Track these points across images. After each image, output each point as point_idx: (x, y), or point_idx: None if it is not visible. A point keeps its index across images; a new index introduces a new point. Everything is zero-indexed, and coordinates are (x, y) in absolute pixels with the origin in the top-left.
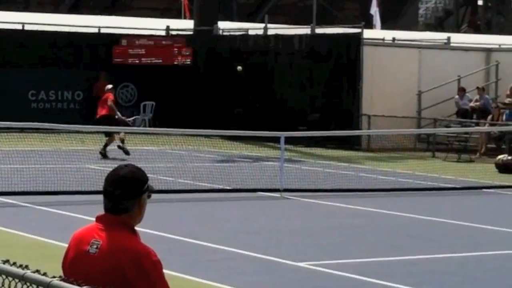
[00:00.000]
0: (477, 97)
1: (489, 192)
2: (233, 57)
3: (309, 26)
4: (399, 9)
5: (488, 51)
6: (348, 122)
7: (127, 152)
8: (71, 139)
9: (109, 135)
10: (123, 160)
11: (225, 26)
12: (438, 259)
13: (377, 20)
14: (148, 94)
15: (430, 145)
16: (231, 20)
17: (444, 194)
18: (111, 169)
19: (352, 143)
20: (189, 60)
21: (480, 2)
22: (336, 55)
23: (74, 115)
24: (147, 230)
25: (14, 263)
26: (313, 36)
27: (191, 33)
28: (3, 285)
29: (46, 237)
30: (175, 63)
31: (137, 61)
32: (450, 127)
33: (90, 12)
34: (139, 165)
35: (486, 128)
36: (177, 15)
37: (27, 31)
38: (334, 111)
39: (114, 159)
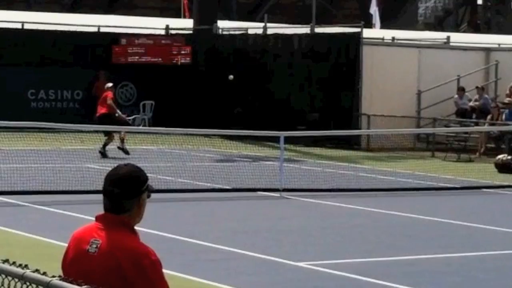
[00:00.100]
0: (477, 96)
1: (489, 192)
2: (232, 56)
3: (309, 26)
4: (398, 8)
5: (487, 50)
6: (347, 121)
7: (126, 152)
8: (70, 139)
9: (108, 134)
10: (123, 159)
11: (224, 25)
12: (437, 259)
13: (376, 19)
14: (148, 94)
15: (429, 145)
16: (231, 19)
17: (443, 194)
18: (110, 169)
19: (351, 143)
20: (188, 59)
21: (479, 2)
22: (336, 54)
23: (74, 115)
24: (147, 230)
25: (14, 263)
26: (313, 35)
27: (190, 32)
28: (2, 285)
29: (46, 236)
30: (175, 62)
31: (136, 60)
32: (449, 126)
33: (89, 11)
34: (138, 165)
35: (485, 128)
36: (177, 14)
37: (27, 30)
38: (333, 110)
39: (113, 158)
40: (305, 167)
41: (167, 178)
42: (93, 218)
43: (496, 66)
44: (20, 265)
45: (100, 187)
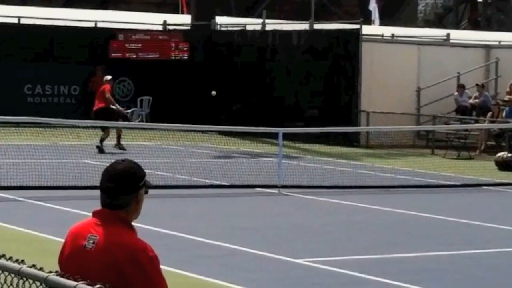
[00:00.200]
0: (477, 94)
1: (489, 190)
2: (230, 52)
3: (308, 22)
4: (398, 5)
5: (487, 48)
6: (346, 118)
7: (123, 148)
8: (67, 134)
9: (105, 129)
10: (120, 154)
11: (222, 21)
12: (437, 256)
13: (375, 16)
14: (145, 89)
15: (429, 142)
16: (229, 15)
17: (443, 191)
18: (108, 164)
19: (350, 140)
20: (186, 55)
21: None
22: (335, 51)
23: (71, 110)
24: (144, 226)
25: (10, 258)
26: (312, 32)
27: (188, 28)
28: None
29: (42, 232)
30: (172, 58)
31: (134, 56)
32: (449, 124)
33: (86, 6)
34: (136, 161)
35: (485, 125)
36: (175, 10)
37: (23, 25)
38: (332, 107)
39: (111, 154)
40: (304, 163)
41: (165, 174)
42: (90, 214)
43: (496, 63)
44: (16, 261)
45: (97, 183)
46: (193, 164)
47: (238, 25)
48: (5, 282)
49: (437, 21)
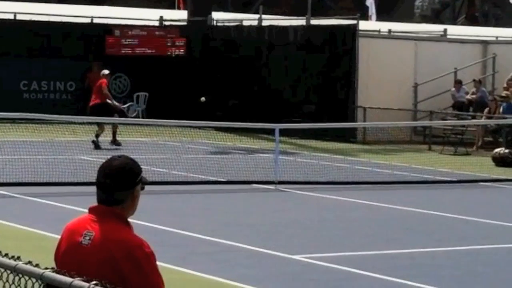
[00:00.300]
0: (474, 89)
1: (486, 186)
2: (227, 48)
3: (304, 18)
4: (395, 0)
5: (485, 43)
6: (343, 114)
7: (118, 144)
8: (63, 130)
9: (100, 124)
10: (116, 150)
11: (219, 16)
12: (434, 252)
13: (372, 11)
14: (141, 85)
15: (426, 138)
16: (225, 10)
17: (440, 187)
18: (104, 160)
19: (347, 136)
20: (182, 51)
21: None
22: (331, 46)
23: (67, 106)
24: (140, 222)
25: (6, 255)
26: (308, 27)
27: (185, 23)
28: None
29: (38, 228)
30: (169, 53)
31: (130, 52)
32: (446, 120)
33: (82, 2)
34: (132, 157)
35: (482, 121)
36: (171, 6)
37: (19, 21)
38: (329, 103)
39: (107, 150)
40: (301, 159)
41: (161, 170)
42: (86, 210)
43: (494, 59)
44: (12, 257)
45: (93, 179)
46: (190, 160)
47: (234, 20)
48: (1, 278)
49: (434, 17)
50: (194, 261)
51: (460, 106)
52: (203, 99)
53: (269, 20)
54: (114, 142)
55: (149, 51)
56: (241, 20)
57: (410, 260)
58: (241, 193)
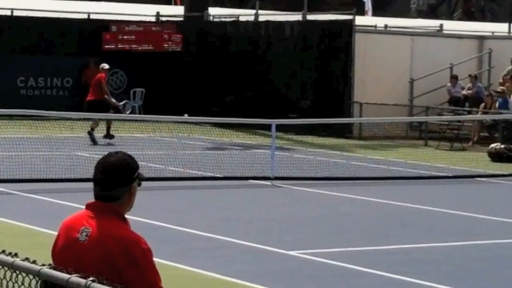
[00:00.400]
0: (470, 85)
1: (482, 181)
2: (223, 43)
3: (301, 13)
4: None
5: (481, 38)
6: (339, 109)
7: (112, 137)
8: (60, 126)
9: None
10: (111, 145)
11: (215, 12)
12: (430, 248)
13: (369, 7)
14: (138, 81)
15: (422, 133)
16: (222, 6)
17: (436, 182)
18: (101, 157)
19: (343, 131)
20: (179, 46)
21: None
22: (328, 42)
23: (64, 102)
24: (137, 218)
25: (3, 251)
26: (305, 22)
27: (181, 19)
28: None
29: (35, 225)
30: (165, 49)
31: (127, 48)
32: (442, 115)
33: None
34: (129, 153)
35: (478, 117)
36: (167, 1)
37: (16, 17)
38: (325, 98)
39: (104, 146)
40: (297, 155)
41: (158, 166)
42: (83, 206)
43: (490, 54)
44: (9, 254)
45: (90, 175)
46: (186, 156)
47: (231, 16)
48: None
49: (430, 12)
50: (190, 257)
51: (456, 102)
52: (186, 115)
53: (266, 15)
54: (107, 136)
55: (146, 46)
56: (238, 16)
57: (406, 256)
58: (237, 189)
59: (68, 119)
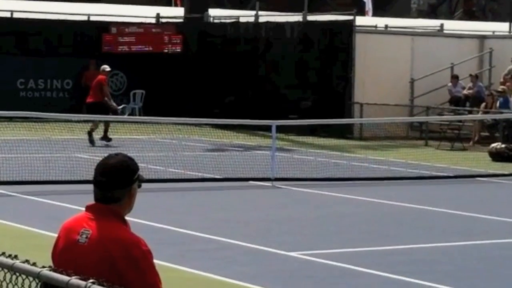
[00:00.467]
0: (470, 84)
1: (483, 181)
2: (224, 44)
3: (301, 13)
4: None
5: (481, 38)
6: (340, 110)
7: (109, 140)
8: (60, 128)
9: (94, 121)
10: (111, 146)
11: (216, 13)
12: (431, 248)
13: (369, 7)
14: (138, 83)
15: (423, 133)
16: (222, 7)
17: (437, 182)
18: (100, 158)
19: (344, 132)
20: (179, 48)
21: None
22: (328, 42)
23: (63, 104)
24: (137, 220)
25: (3, 253)
26: (305, 23)
27: (181, 20)
28: None
29: (35, 227)
30: (165, 51)
31: (127, 49)
32: (443, 115)
33: (79, 0)
34: (129, 154)
35: (479, 116)
36: (167, 2)
37: (16, 19)
38: (326, 99)
39: (103, 147)
40: (297, 156)
41: (158, 168)
42: (83, 208)
43: (490, 53)
44: (9, 256)
45: (90, 177)
46: (186, 157)
47: (231, 17)
48: None
49: (431, 11)
50: (190, 259)
51: (456, 101)
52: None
53: (266, 16)
54: (105, 138)
55: (146, 48)
56: (238, 17)
57: (407, 256)
58: (237, 190)
59: (68, 121)
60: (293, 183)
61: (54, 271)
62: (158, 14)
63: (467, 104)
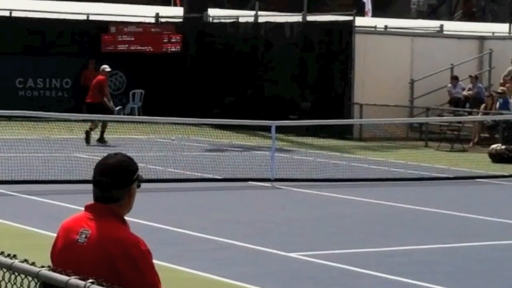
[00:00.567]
0: (470, 85)
1: (482, 182)
2: (223, 44)
3: (301, 14)
4: None
5: (481, 39)
6: (339, 111)
7: (104, 142)
8: (59, 128)
9: (93, 120)
10: (110, 146)
11: (215, 13)
12: (430, 249)
13: (369, 7)
14: (137, 82)
15: (422, 134)
16: (221, 7)
17: (436, 184)
18: (100, 158)
19: (343, 132)
20: (178, 47)
21: None
22: (328, 43)
23: (62, 103)
24: (136, 220)
25: (2, 253)
26: (305, 23)
27: (180, 20)
28: None
29: (34, 226)
30: (165, 50)
31: (126, 49)
32: (442, 116)
33: None
34: (128, 154)
35: (479, 117)
36: (167, 2)
37: (15, 18)
38: (325, 100)
39: (102, 147)
40: (297, 156)
41: (157, 167)
42: (82, 208)
43: (490, 54)
44: (8, 255)
45: (89, 177)
46: (186, 157)
47: (230, 17)
48: None
49: (431, 12)
50: (190, 259)
51: (456, 102)
52: (173, 138)
53: (265, 16)
54: (101, 140)
55: (145, 48)
56: (237, 17)
57: (407, 257)
58: (237, 191)
59: (67, 120)
60: (292, 184)
61: (53, 270)
62: (157, 13)
63: (467, 105)
